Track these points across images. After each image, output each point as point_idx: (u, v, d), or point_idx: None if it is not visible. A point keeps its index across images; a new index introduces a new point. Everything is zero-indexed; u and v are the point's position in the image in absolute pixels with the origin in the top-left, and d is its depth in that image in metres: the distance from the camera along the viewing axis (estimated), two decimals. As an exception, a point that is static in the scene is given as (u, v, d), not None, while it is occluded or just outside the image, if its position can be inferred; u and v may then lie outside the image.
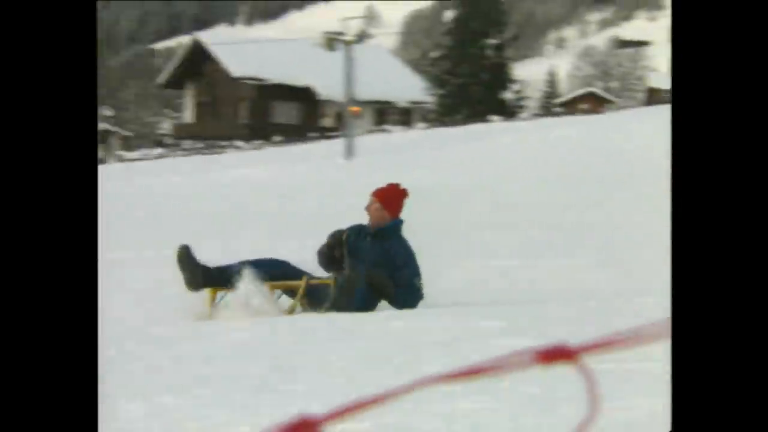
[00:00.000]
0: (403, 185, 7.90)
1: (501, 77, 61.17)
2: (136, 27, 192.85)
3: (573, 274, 10.20)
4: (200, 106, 67.72)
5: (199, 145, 60.91)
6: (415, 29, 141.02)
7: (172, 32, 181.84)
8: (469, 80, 60.38)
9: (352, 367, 4.96)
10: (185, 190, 25.20)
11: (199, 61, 66.07)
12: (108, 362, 4.49)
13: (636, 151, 26.95)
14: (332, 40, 44.52)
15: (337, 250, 7.64)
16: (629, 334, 1.31)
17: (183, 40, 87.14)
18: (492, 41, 60.86)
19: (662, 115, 23.94)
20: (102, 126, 70.37)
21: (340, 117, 58.62)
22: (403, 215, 7.80)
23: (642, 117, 37.53)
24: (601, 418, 1.23)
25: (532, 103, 72.93)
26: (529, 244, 13.13)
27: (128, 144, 71.91)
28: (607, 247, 12.63)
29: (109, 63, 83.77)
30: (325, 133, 59.41)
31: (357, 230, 7.77)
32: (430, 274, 7.67)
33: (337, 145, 40.97)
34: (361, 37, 43.89)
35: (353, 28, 43.03)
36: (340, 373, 4.83)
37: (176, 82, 68.88)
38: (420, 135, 46.05)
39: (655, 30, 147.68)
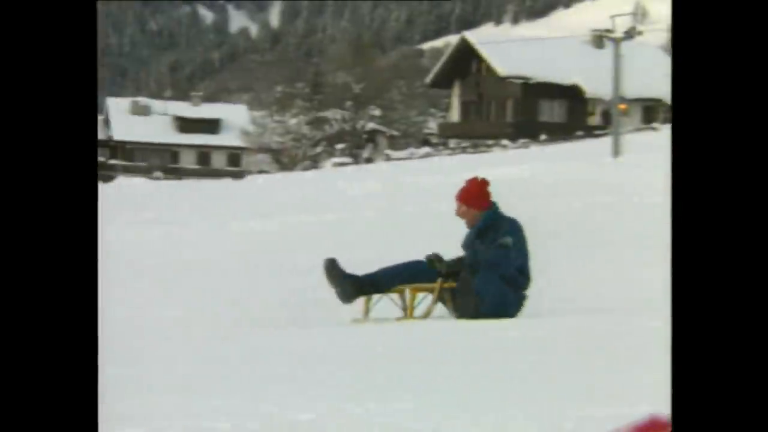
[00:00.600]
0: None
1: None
2: (404, 27, 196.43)
3: None
4: (466, 105, 68.29)
5: (465, 144, 61.44)
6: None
7: (439, 32, 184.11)
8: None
9: (430, 382, 4.82)
10: (447, 189, 25.51)
11: (466, 60, 66.65)
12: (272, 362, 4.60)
13: None
14: (601, 38, 43.93)
15: (439, 264, 7.64)
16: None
17: (450, 40, 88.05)
18: None
19: None
20: (370, 125, 72.16)
21: (607, 115, 57.73)
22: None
23: None
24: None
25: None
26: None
27: (395, 143, 73.39)
28: None
29: (378, 64, 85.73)
30: (592, 132, 58.65)
31: (470, 236, 7.76)
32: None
33: (604, 143, 40.41)
34: (630, 33, 43.04)
35: (622, 24, 42.29)
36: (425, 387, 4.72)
37: (443, 81, 69.77)
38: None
39: None
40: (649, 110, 64.69)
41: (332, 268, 7.77)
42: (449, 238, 8.25)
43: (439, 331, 6.81)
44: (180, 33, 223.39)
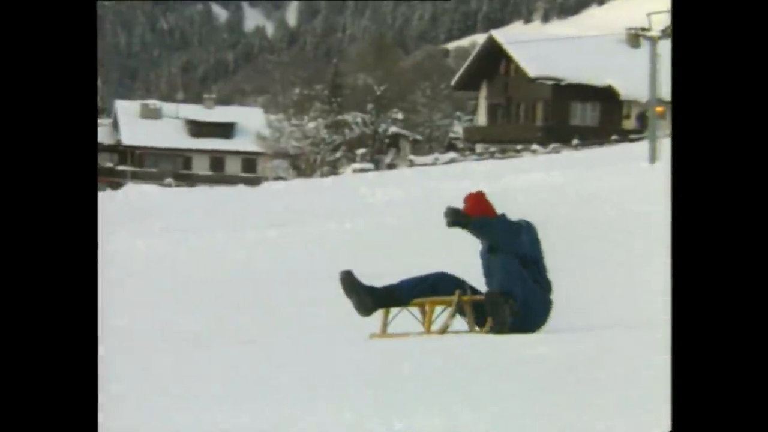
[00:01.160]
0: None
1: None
2: (428, 26, 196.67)
3: None
4: (493, 108, 68.28)
5: (493, 148, 61.42)
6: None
7: (465, 31, 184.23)
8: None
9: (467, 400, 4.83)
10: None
11: (493, 60, 66.65)
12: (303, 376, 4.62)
13: None
14: (636, 36, 43.82)
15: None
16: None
17: (477, 39, 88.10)
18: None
19: None
20: (392, 129, 72.22)
21: (643, 118, 57.59)
22: None
23: None
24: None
25: None
26: None
27: (419, 148, 73.40)
28: None
29: (400, 64, 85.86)
30: (627, 136, 58.52)
31: (485, 247, 7.85)
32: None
33: (640, 148, 40.31)
34: (668, 32, 42.90)
35: (659, 22, 42.16)
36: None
37: (469, 83, 69.77)
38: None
39: None
40: (687, 113, 64.40)
41: (349, 280, 7.79)
42: (474, 248, 8.25)
43: (464, 346, 6.80)
44: (192, 32, 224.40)
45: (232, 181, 68.62)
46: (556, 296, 7.73)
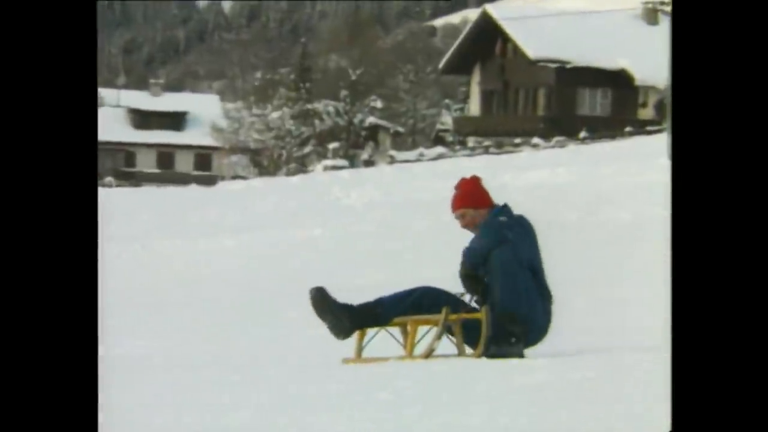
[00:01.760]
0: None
1: None
2: (412, 0, 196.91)
3: None
4: (488, 95, 68.42)
5: (487, 142, 61.57)
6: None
7: (455, 6, 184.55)
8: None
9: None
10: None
11: (488, 40, 66.79)
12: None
13: None
14: (654, 11, 44.03)
15: (482, 269, 7.66)
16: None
17: (468, 15, 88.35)
18: None
19: None
20: (370, 120, 72.30)
21: (662, 107, 57.79)
22: None
23: None
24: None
25: None
26: None
27: (401, 142, 73.47)
28: None
29: (379, 44, 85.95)
30: (643, 127, 58.75)
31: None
32: None
33: (658, 141, 40.43)
34: (690, 6, 43.04)
35: (680, -5, 42.27)
36: None
37: (460, 66, 69.91)
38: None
39: None
40: (713, 101, 64.67)
41: (321, 298, 7.74)
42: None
43: (452, 373, 6.80)
44: (136, 6, 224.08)
45: (182, 180, 68.53)
46: (559, 313, 7.75)
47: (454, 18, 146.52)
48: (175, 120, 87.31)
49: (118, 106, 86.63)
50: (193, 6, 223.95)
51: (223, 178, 64.81)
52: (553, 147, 53.31)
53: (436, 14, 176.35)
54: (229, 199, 34.08)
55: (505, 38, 65.90)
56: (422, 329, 7.83)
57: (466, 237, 7.91)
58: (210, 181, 62.43)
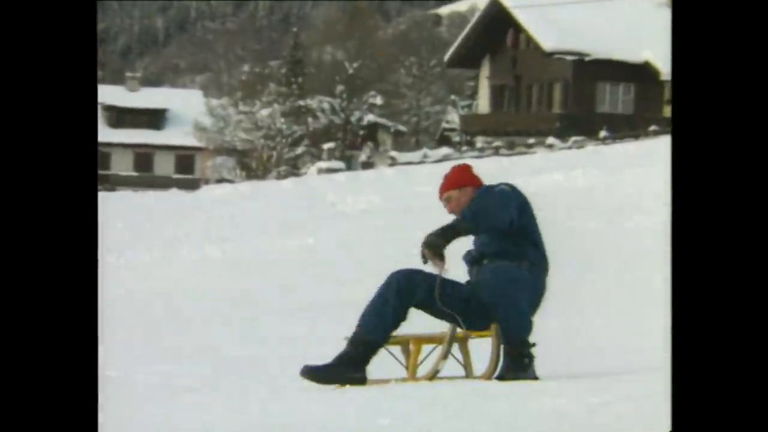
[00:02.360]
0: None
1: None
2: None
3: None
4: (498, 91, 68.49)
5: (498, 143, 61.62)
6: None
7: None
8: None
9: None
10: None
11: (498, 30, 66.82)
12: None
13: None
14: (680, -1, 44.16)
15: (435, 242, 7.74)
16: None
17: (477, 2, 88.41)
18: None
19: None
20: (368, 118, 72.36)
21: (690, 104, 57.87)
22: None
23: None
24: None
25: None
26: None
27: (403, 142, 73.51)
28: None
29: (379, 35, 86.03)
30: (669, 126, 58.73)
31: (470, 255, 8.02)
32: None
33: (685, 142, 40.51)
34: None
35: (710, -20, 42.34)
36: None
37: (467, 59, 69.95)
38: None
39: None
40: (746, 97, 64.72)
41: (315, 377, 7.78)
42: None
43: (460, 396, 6.82)
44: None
45: (162, 183, 68.57)
46: (577, 332, 7.78)
47: (462, 5, 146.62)
48: (154, 118, 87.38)
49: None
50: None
51: (206, 182, 64.85)
52: (569, 148, 53.32)
53: (441, 1, 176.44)
54: (213, 205, 34.10)
55: (518, 28, 65.93)
56: (426, 346, 7.86)
57: (471, 245, 7.95)
58: (192, 185, 62.47)
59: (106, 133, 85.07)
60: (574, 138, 57.48)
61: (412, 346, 7.82)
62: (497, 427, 5.66)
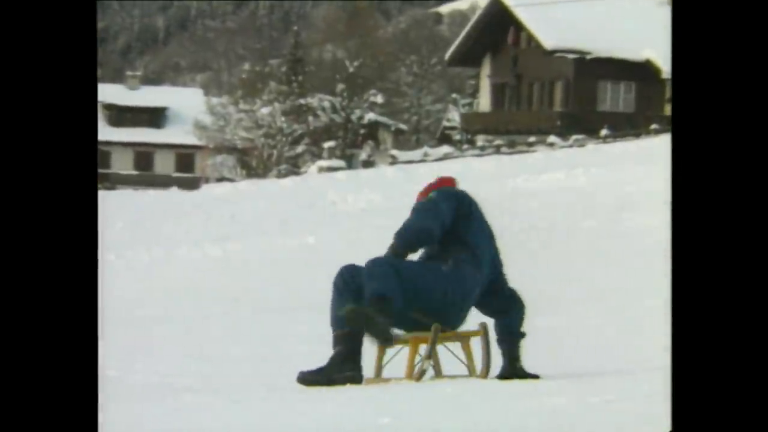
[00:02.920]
0: None
1: None
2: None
3: None
4: (499, 90, 68.48)
5: (499, 141, 61.61)
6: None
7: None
8: None
9: None
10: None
11: (500, 28, 66.82)
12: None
13: None
14: (681, -3, 44.16)
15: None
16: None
17: (478, 1, 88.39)
18: None
19: None
20: (369, 117, 72.36)
21: (691, 102, 57.86)
22: None
23: None
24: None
25: None
26: None
27: (403, 140, 73.51)
28: None
29: (379, 33, 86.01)
30: (671, 125, 58.73)
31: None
32: None
33: (686, 141, 40.51)
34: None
35: (711, -21, 42.34)
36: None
37: (468, 57, 69.94)
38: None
39: None
40: (748, 96, 64.69)
41: (316, 381, 7.78)
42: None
43: (460, 395, 6.82)
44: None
45: (162, 182, 68.55)
46: (576, 331, 7.78)
47: (462, 4, 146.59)
48: (154, 116, 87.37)
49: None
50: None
51: (206, 181, 64.85)
52: (571, 146, 53.32)
53: (441, 0, 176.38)
54: (213, 204, 34.10)
55: (519, 26, 65.93)
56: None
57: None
58: (192, 183, 62.47)
59: (106, 132, 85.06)
60: (575, 136, 57.49)
61: (410, 345, 7.83)
62: (497, 426, 5.65)
